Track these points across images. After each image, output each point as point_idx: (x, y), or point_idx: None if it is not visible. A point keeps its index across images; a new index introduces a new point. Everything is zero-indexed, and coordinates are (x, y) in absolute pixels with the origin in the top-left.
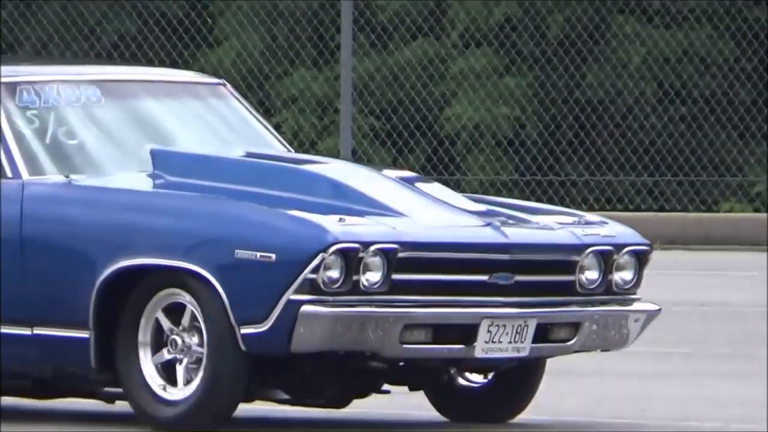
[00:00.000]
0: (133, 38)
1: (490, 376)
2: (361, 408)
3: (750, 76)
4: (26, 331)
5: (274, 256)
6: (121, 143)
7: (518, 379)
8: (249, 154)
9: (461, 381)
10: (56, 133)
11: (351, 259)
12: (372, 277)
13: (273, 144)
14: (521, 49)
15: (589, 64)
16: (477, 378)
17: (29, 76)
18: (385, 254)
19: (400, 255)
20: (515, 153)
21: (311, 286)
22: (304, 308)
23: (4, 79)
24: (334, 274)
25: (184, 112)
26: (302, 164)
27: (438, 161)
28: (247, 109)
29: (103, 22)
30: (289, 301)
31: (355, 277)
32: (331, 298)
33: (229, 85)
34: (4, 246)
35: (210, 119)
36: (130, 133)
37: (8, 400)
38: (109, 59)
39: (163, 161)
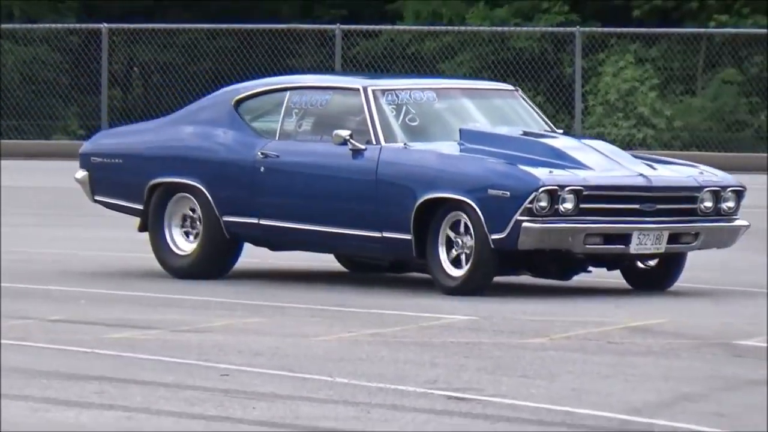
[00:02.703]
0: None
1: (655, 261)
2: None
3: None
4: (377, 234)
5: (509, 193)
6: (444, 125)
7: (671, 265)
8: (525, 133)
9: (641, 264)
10: (404, 119)
11: (553, 195)
12: (567, 206)
13: (542, 126)
14: None
15: None
16: (651, 263)
17: (392, 85)
18: (575, 192)
19: (585, 193)
20: None
21: (529, 211)
22: (525, 224)
23: (378, 87)
24: (544, 204)
25: (488, 106)
26: (543, 138)
27: None
28: (530, 105)
29: None
30: (517, 220)
31: (556, 206)
32: (540, 218)
33: (519, 90)
34: (366, 183)
35: (504, 111)
36: (452, 119)
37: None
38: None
39: (467, 136)
